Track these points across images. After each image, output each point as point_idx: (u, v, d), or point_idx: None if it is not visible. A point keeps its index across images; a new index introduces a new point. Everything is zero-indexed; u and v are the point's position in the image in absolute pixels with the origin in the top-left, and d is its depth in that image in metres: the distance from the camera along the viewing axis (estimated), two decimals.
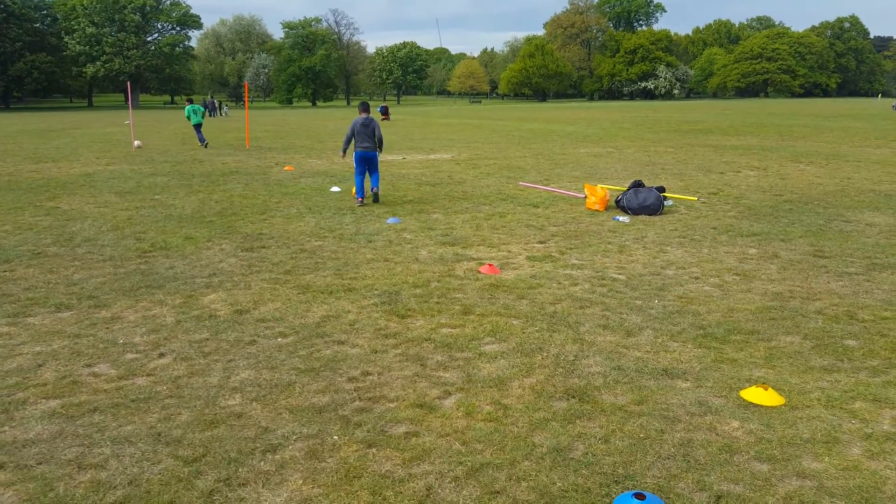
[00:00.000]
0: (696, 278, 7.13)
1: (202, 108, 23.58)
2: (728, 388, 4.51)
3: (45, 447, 3.81)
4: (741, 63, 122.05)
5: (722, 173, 15.74)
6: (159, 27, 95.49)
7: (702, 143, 24.26)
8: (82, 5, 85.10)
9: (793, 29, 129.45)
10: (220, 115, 57.06)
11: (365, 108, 11.95)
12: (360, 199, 11.73)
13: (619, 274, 7.29)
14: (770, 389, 4.35)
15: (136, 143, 23.58)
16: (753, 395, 4.33)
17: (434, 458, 3.67)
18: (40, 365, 4.93)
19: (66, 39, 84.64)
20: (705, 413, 4.17)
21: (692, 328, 5.62)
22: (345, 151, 12.21)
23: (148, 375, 4.76)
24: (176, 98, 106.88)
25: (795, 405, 4.26)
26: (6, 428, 4.03)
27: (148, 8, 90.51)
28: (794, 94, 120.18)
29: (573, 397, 4.38)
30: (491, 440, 3.85)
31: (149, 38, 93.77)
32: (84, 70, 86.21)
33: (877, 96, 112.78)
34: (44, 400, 4.39)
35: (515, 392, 4.47)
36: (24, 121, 45.56)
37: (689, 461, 3.63)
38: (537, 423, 4.04)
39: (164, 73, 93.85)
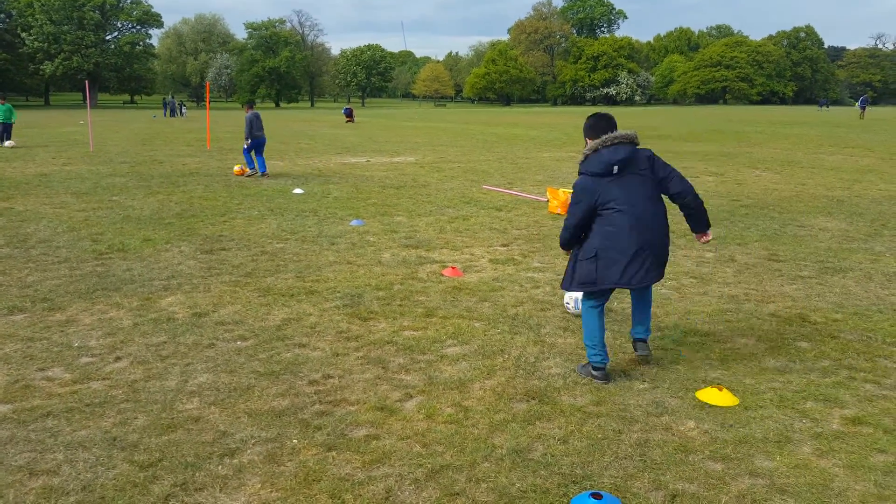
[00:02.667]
0: None
1: (12, 107, 24.28)
2: (684, 388, 4.60)
3: None
4: (701, 70, 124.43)
5: None
6: (119, 25, 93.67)
7: (662, 148, 24.66)
8: (40, 2, 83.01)
9: (751, 38, 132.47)
10: (179, 115, 56.16)
11: (252, 104, 15.89)
12: (263, 172, 15.39)
13: None
14: (725, 390, 4.45)
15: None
16: (709, 395, 4.42)
17: (394, 461, 3.67)
18: None
19: (23, 36, 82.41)
20: (662, 413, 4.25)
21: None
22: (249, 140, 15.24)
23: (103, 379, 4.67)
24: (136, 98, 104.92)
25: (749, 405, 4.36)
26: None
27: (108, 6, 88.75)
28: (751, 102, 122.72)
29: (533, 399, 4.42)
30: (451, 442, 3.87)
31: (108, 37, 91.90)
32: (42, 68, 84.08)
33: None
34: None
35: (476, 394, 4.49)
36: None
37: (645, 461, 3.70)
38: (497, 425, 4.07)
39: (123, 73, 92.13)
